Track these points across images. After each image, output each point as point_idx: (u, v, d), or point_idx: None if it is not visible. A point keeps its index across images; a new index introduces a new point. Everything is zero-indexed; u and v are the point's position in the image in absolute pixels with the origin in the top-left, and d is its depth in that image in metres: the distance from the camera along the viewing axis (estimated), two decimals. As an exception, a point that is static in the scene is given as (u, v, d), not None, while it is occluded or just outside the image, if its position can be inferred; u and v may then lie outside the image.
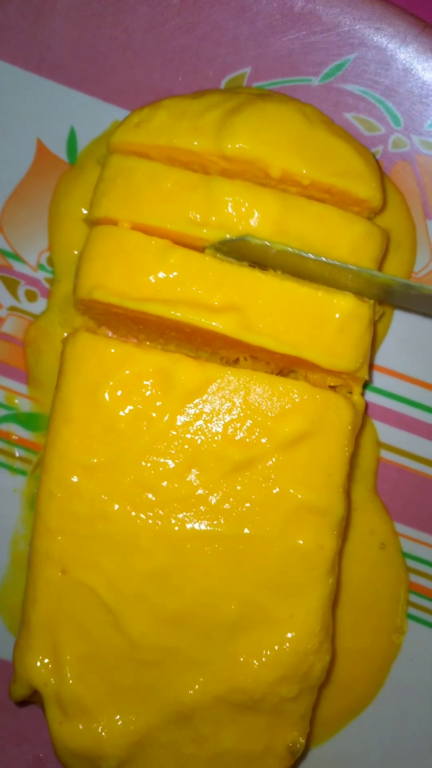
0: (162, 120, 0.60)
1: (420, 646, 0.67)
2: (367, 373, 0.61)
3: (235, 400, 0.59)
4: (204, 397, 0.59)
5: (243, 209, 0.58)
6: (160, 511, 0.58)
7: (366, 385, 0.67)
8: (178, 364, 0.59)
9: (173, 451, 0.58)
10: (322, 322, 0.59)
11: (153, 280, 0.59)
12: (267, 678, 0.57)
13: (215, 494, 0.58)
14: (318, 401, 0.58)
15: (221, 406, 0.59)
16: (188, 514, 0.58)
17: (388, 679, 0.67)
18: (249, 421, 0.58)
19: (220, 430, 0.58)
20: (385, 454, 0.67)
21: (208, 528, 0.58)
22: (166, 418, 0.58)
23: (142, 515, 0.58)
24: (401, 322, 0.68)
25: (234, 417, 0.58)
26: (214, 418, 0.58)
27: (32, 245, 0.68)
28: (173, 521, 0.58)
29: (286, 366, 0.62)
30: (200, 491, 0.58)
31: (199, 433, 0.58)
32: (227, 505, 0.58)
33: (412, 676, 0.67)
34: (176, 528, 0.58)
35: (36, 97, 0.67)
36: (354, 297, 0.59)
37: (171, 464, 0.58)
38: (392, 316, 0.68)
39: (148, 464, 0.58)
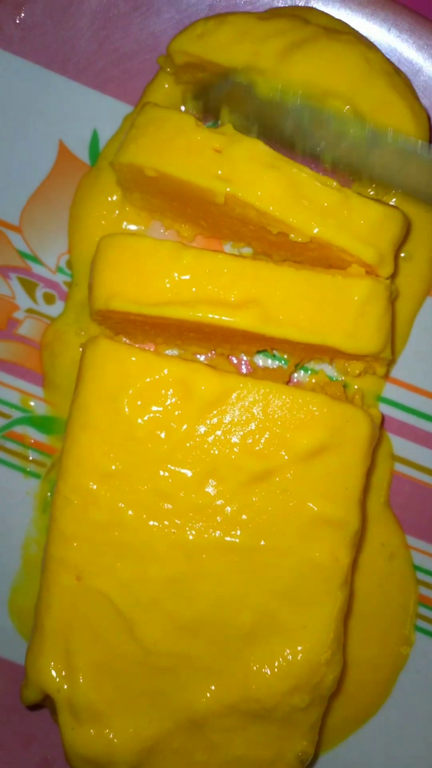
0: (225, 37, 0.60)
1: (427, 658, 0.67)
2: (390, 352, 0.60)
3: (254, 411, 0.58)
4: (223, 408, 0.58)
5: (257, 178, 0.58)
6: (177, 520, 0.58)
7: (389, 363, 0.66)
8: (198, 374, 0.58)
9: (191, 461, 0.58)
10: (341, 307, 0.58)
11: (168, 284, 0.58)
12: (279, 688, 0.57)
13: (232, 505, 0.58)
14: (337, 414, 0.58)
15: (240, 416, 0.58)
16: (204, 524, 0.58)
17: (394, 689, 0.67)
18: (267, 432, 0.58)
19: (238, 440, 0.58)
20: (399, 468, 0.67)
21: (224, 538, 0.58)
22: (184, 427, 0.58)
23: (158, 524, 0.58)
24: (419, 335, 0.67)
25: (252, 428, 0.58)
26: (233, 429, 0.58)
27: (52, 247, 0.67)
28: (189, 530, 0.58)
29: (308, 355, 0.61)
30: (217, 502, 0.58)
31: (218, 443, 0.58)
32: (244, 516, 0.58)
33: (419, 687, 0.67)
34: (192, 537, 0.58)
35: (60, 98, 0.67)
36: (370, 278, 0.59)
37: (189, 474, 0.58)
38: (410, 330, 0.67)
39: (166, 473, 0.58)
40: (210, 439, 0.58)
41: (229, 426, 0.58)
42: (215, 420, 0.58)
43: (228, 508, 0.58)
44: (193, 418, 0.58)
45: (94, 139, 0.67)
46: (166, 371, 0.58)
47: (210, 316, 0.58)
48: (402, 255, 0.67)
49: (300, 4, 0.64)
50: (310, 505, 0.58)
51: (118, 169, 0.62)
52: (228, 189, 0.58)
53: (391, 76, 0.61)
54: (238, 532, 0.58)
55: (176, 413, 0.58)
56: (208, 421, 0.58)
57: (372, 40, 0.65)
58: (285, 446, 0.58)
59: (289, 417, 0.58)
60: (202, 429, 0.58)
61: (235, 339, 0.61)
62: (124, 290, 0.58)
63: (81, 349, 0.62)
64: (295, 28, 0.61)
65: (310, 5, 0.64)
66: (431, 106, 0.66)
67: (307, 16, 0.64)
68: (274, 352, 0.67)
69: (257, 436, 0.58)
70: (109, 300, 0.59)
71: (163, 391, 0.58)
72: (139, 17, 0.65)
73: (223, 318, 0.58)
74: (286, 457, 0.58)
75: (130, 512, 0.58)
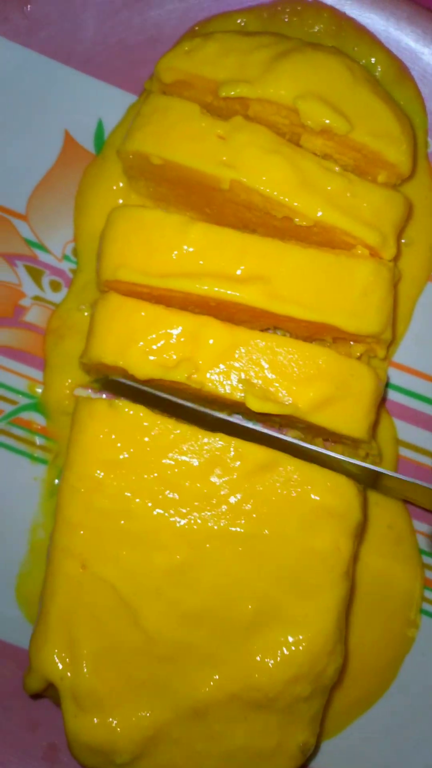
0: (211, 52, 0.59)
1: None
2: (391, 334, 0.59)
3: (262, 363, 0.57)
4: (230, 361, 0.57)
5: (261, 164, 0.58)
6: (182, 509, 0.56)
7: (389, 345, 0.64)
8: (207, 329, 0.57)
9: (197, 449, 0.57)
10: (345, 287, 0.57)
11: (175, 256, 0.57)
12: (282, 677, 0.56)
13: (236, 494, 0.56)
14: (343, 368, 0.57)
15: (248, 368, 0.57)
16: (209, 513, 0.56)
17: (400, 672, 0.65)
18: (275, 384, 0.57)
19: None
20: (403, 452, 0.66)
21: (228, 527, 0.56)
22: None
23: (163, 512, 0.56)
24: (420, 319, 0.66)
25: (260, 382, 0.57)
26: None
27: (58, 235, 0.66)
28: (194, 519, 0.56)
29: (310, 335, 0.61)
30: (222, 491, 0.56)
31: None
32: (248, 505, 0.56)
33: (424, 670, 0.65)
34: (196, 526, 0.56)
35: (65, 88, 0.65)
36: (374, 260, 0.58)
37: (195, 463, 0.57)
38: (412, 314, 0.68)
39: (172, 462, 0.57)
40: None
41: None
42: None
43: (232, 498, 0.56)
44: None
45: (99, 128, 0.66)
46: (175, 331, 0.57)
47: (216, 289, 0.56)
48: (403, 241, 0.66)
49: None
50: (313, 495, 0.56)
51: (125, 158, 0.60)
52: (233, 175, 0.57)
53: (373, 85, 0.60)
54: (242, 521, 0.56)
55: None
56: None
57: (370, 30, 0.66)
58: (293, 397, 0.57)
59: (296, 369, 0.57)
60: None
61: (239, 316, 0.59)
62: (132, 261, 0.57)
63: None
64: (279, 41, 0.60)
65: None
66: (430, 94, 0.67)
67: (287, 32, 0.64)
68: (278, 331, 0.67)
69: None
70: (116, 270, 0.57)
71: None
72: (142, 7, 0.64)
73: (228, 292, 0.56)
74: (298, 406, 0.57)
75: (135, 501, 0.56)
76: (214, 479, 0.57)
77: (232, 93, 0.58)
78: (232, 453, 0.57)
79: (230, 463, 0.56)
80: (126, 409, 0.57)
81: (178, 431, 0.57)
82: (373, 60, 0.65)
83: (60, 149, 0.66)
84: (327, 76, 0.58)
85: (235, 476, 0.57)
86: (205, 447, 0.57)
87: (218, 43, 0.59)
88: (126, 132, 0.61)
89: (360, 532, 0.58)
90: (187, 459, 0.57)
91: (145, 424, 0.57)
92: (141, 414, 0.57)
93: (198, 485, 0.57)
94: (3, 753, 0.63)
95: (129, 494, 0.56)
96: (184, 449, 0.57)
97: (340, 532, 0.57)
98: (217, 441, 0.57)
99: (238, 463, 0.56)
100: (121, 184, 0.66)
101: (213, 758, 0.57)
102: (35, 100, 0.66)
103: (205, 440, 0.57)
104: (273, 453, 0.57)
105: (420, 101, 0.66)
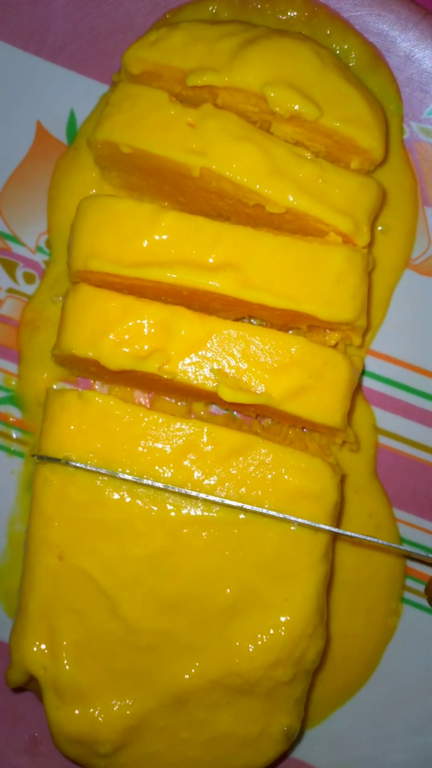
0: (178, 41, 0.59)
1: (414, 630, 0.65)
2: (365, 321, 0.59)
3: (235, 353, 0.57)
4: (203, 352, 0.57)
5: (231, 151, 0.57)
6: (157, 497, 0.56)
7: (365, 333, 0.64)
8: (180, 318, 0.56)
9: (169, 435, 0.57)
10: (318, 275, 0.57)
11: (146, 245, 0.56)
12: (262, 661, 0.56)
13: (211, 479, 0.56)
14: (316, 356, 0.57)
15: (221, 358, 0.57)
16: (184, 499, 0.56)
17: (382, 660, 0.65)
18: (247, 375, 0.56)
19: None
20: (382, 440, 0.65)
21: (204, 513, 0.56)
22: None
23: (138, 501, 0.56)
24: (397, 307, 0.65)
25: (233, 371, 0.57)
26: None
27: (31, 227, 0.65)
28: (169, 506, 0.56)
29: (285, 324, 0.60)
30: (197, 476, 0.56)
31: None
32: (223, 490, 0.56)
33: (406, 658, 0.65)
34: (172, 513, 0.56)
35: (36, 79, 0.65)
36: (347, 247, 0.57)
37: (168, 450, 0.56)
38: (389, 302, 0.67)
39: (145, 450, 0.56)
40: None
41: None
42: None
43: (207, 482, 0.56)
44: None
45: (72, 119, 0.65)
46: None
47: (186, 278, 0.56)
48: (379, 228, 0.65)
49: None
50: (288, 477, 0.56)
51: (95, 147, 0.60)
52: (203, 162, 0.56)
53: (343, 70, 0.60)
54: (218, 507, 0.56)
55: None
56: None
57: (343, 15, 0.66)
58: (266, 386, 0.56)
59: (269, 358, 0.56)
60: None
61: (213, 305, 0.59)
62: (103, 251, 0.57)
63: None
64: (247, 29, 0.59)
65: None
66: (405, 80, 0.67)
67: (259, 20, 0.63)
68: (252, 320, 0.66)
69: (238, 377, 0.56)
70: (87, 260, 0.57)
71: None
72: (113, -3, 0.64)
73: (199, 281, 0.56)
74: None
75: (109, 490, 0.56)
76: (187, 464, 0.56)
77: (200, 82, 0.57)
78: (205, 438, 0.56)
79: (203, 448, 0.56)
80: (97, 399, 0.56)
81: (150, 419, 0.56)
82: (346, 46, 0.65)
83: (32, 140, 0.66)
84: (295, 62, 0.58)
85: (208, 461, 0.56)
86: (178, 433, 0.56)
87: (185, 32, 0.59)
88: (96, 121, 0.60)
89: (337, 514, 0.58)
90: (159, 446, 0.56)
91: (116, 413, 0.56)
92: (111, 403, 0.56)
93: (172, 472, 0.56)
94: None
95: (102, 484, 0.56)
96: (157, 436, 0.56)
97: (317, 514, 0.57)
98: (189, 427, 0.56)
99: (211, 447, 0.56)
100: (94, 175, 0.65)
101: (197, 746, 0.57)
102: (6, 92, 0.65)
103: (177, 426, 0.56)
104: (246, 436, 0.56)
105: (395, 87, 0.66)
